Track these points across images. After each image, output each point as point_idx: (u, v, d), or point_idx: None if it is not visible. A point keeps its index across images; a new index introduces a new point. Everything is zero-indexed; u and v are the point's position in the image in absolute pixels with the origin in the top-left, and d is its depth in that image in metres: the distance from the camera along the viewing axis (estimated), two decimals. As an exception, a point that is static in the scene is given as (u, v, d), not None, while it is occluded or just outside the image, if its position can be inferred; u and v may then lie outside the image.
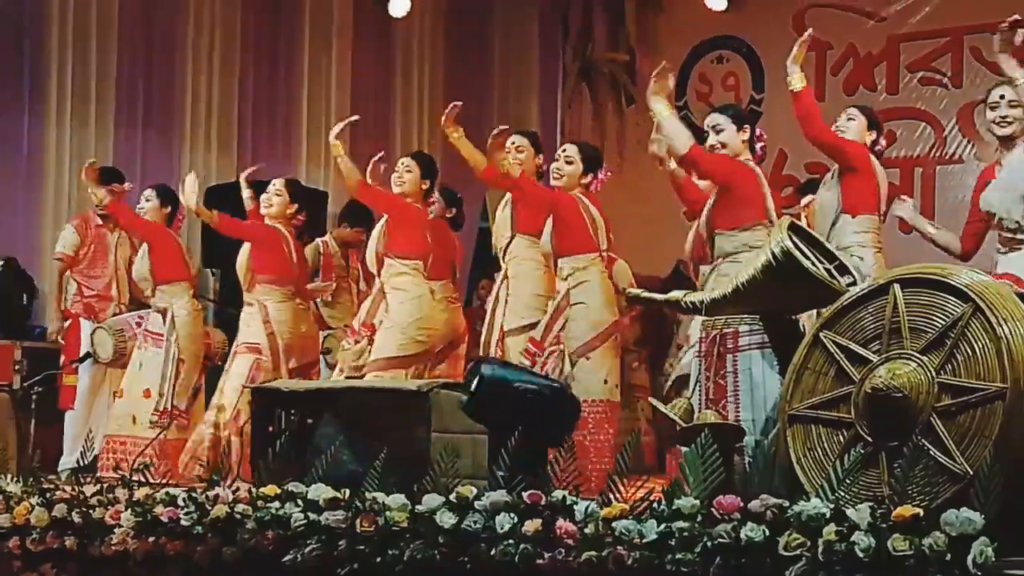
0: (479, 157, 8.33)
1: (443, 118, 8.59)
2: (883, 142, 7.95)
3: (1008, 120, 6.96)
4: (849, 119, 7.81)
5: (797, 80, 7.37)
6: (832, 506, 5.13)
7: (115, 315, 9.81)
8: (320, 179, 12.76)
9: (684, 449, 5.99)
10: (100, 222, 9.92)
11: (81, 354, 9.62)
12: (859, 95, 12.97)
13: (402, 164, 9.05)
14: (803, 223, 6.87)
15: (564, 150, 8.39)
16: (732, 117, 7.26)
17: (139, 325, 9.57)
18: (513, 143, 8.48)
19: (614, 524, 5.49)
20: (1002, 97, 6.99)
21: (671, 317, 10.45)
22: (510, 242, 8.61)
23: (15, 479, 7.38)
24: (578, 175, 8.25)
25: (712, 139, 7.16)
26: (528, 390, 6.28)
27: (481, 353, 8.37)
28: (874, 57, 13.01)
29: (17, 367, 10.50)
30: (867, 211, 7.53)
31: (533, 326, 8.27)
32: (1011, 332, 5.22)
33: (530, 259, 8.51)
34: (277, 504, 6.28)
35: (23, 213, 11.44)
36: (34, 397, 9.59)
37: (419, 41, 13.98)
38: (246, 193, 9.54)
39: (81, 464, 7.73)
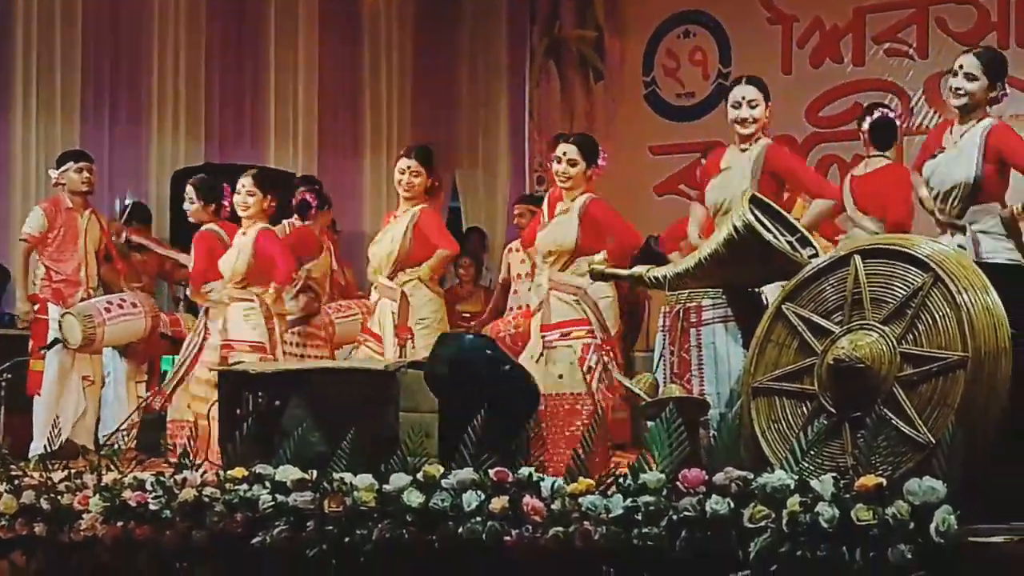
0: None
1: None
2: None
3: (961, 92, 6.85)
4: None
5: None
6: (796, 477, 5.14)
7: (83, 300, 9.74)
8: (288, 162, 12.74)
9: (649, 423, 6.00)
10: (70, 205, 9.85)
11: (49, 340, 9.57)
12: (825, 67, 13.02)
13: (408, 168, 8.50)
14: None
15: (565, 152, 7.87)
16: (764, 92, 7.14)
17: (108, 311, 9.53)
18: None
19: (580, 500, 5.50)
20: (960, 67, 6.90)
21: (642, 294, 10.45)
22: None
23: (-17, 466, 7.35)
24: (584, 172, 7.99)
25: (745, 112, 7.00)
26: (487, 368, 6.29)
27: None
28: (840, 29, 13.03)
29: (-14, 354, 10.47)
30: None
31: None
32: (971, 301, 5.24)
33: None
34: (245, 486, 6.27)
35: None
36: (3, 384, 9.59)
37: (387, 21, 13.99)
38: None
39: (49, 450, 7.70)
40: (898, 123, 9.14)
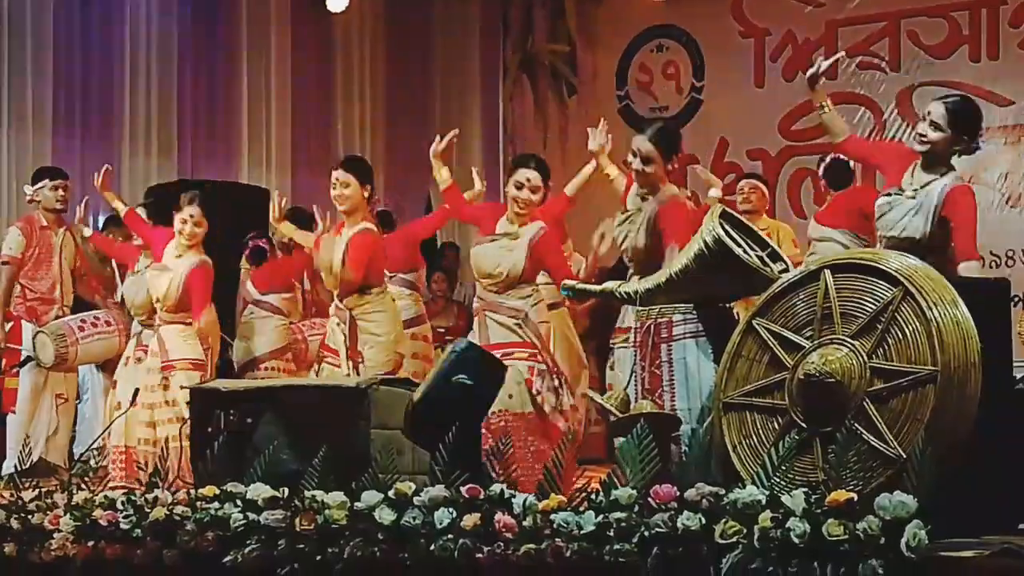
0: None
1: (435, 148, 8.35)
2: None
3: (924, 139, 6.51)
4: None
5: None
6: (768, 493, 5.14)
7: (57, 318, 9.71)
8: (261, 177, 12.72)
9: (620, 439, 6.00)
10: (44, 223, 9.83)
11: (22, 358, 9.54)
12: (798, 81, 13.01)
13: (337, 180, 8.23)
14: None
15: (528, 179, 7.78)
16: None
17: (81, 329, 9.50)
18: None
19: (552, 516, 5.49)
20: (928, 113, 6.61)
21: (617, 308, 10.43)
22: None
23: (-46, 486, 7.31)
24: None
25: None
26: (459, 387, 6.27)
27: None
28: (812, 43, 13.09)
29: (-39, 373, 10.43)
30: None
31: None
32: (941, 315, 5.24)
33: None
34: (216, 505, 6.25)
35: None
36: (-24, 403, 9.56)
37: (359, 37, 13.99)
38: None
39: (20, 468, 7.67)
40: (851, 165, 9.18)
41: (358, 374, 7.86)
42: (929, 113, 6.36)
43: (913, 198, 6.25)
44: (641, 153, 6.96)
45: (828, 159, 9.23)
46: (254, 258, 9.96)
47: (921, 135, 6.38)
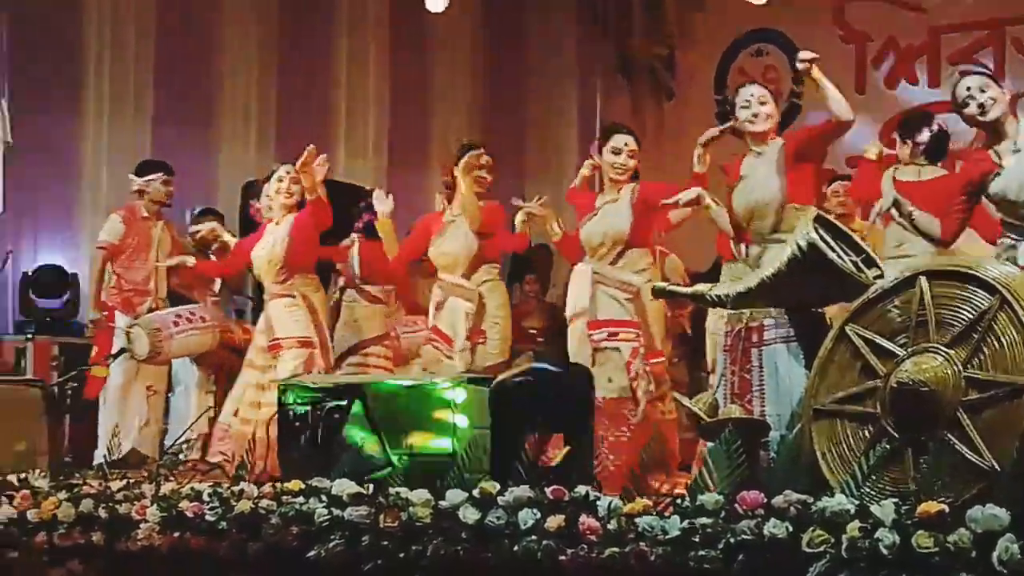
0: None
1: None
2: None
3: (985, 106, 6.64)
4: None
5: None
6: (856, 502, 5.07)
7: (151, 310, 9.76)
8: (357, 175, 12.74)
9: (708, 444, 5.94)
10: (146, 214, 9.90)
11: (115, 349, 9.60)
12: (900, 88, 12.91)
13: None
14: None
15: (626, 143, 8.03)
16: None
17: (176, 324, 9.52)
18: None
19: (637, 520, 5.44)
20: (968, 88, 6.75)
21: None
22: None
23: (43, 474, 7.37)
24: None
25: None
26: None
27: None
28: (915, 49, 12.94)
29: (55, 363, 10.53)
30: None
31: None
32: (1039, 325, 5.14)
33: None
34: (301, 499, 6.26)
35: (63, 213, 11.51)
36: (68, 393, 9.62)
37: (457, 36, 13.98)
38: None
39: (108, 459, 7.72)
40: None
41: (472, 358, 7.91)
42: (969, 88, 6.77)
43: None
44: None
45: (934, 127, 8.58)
46: (367, 232, 9.77)
47: (980, 105, 6.69)
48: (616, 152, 7.99)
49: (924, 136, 8.12)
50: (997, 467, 5.06)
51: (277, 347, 8.77)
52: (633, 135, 8.11)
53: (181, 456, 8.09)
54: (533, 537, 5.63)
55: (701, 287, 6.48)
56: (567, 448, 6.10)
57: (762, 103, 7.05)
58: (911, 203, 7.43)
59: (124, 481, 7.04)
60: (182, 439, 8.31)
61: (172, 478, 6.99)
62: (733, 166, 7.12)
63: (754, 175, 6.90)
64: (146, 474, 7.27)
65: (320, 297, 9.04)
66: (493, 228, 8.51)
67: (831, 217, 6.33)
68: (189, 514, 6.54)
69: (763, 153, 6.96)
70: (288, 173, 8.96)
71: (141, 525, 6.67)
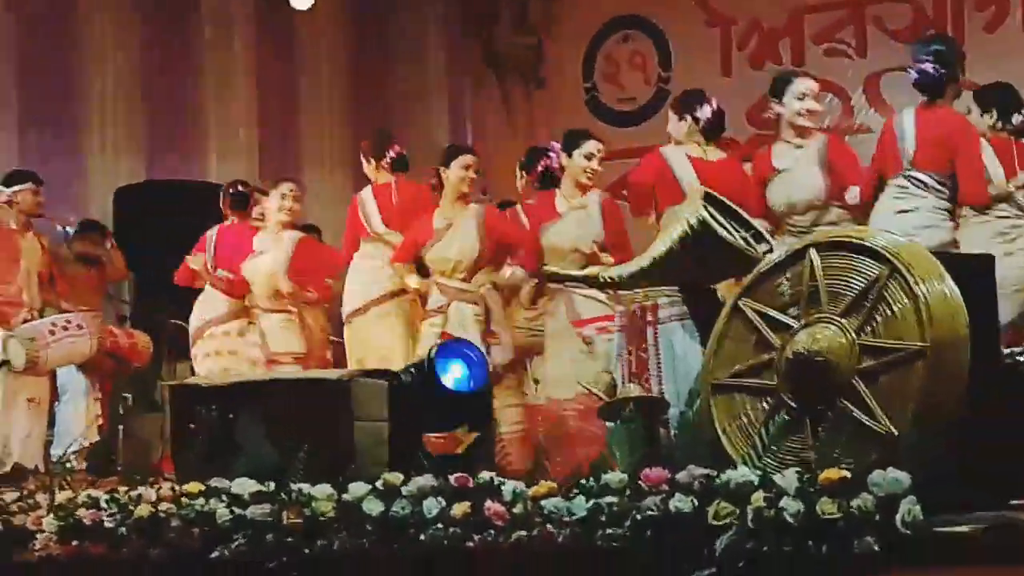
0: None
1: None
2: None
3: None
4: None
5: None
6: (759, 473, 5.13)
7: (26, 321, 9.63)
8: (228, 174, 12.62)
9: (610, 424, 5.98)
10: (13, 226, 9.76)
11: (-7, 363, 9.46)
12: (765, 69, 13.03)
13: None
14: None
15: (600, 149, 8.12)
16: None
17: (52, 333, 9.42)
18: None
19: (543, 503, 5.46)
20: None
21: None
22: None
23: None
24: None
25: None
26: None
27: None
28: (778, 31, 13.08)
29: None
30: None
31: None
32: (928, 291, 5.22)
33: None
34: (201, 500, 6.20)
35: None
36: (-51, 408, 9.46)
37: (322, 31, 13.88)
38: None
39: (-3, 471, 7.63)
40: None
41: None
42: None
43: None
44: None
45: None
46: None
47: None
48: (589, 157, 8.05)
49: (706, 112, 7.98)
50: (895, 432, 5.14)
51: (274, 362, 8.74)
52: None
53: (68, 465, 7.99)
54: (439, 526, 5.63)
55: (593, 269, 6.54)
56: (474, 434, 6.13)
57: (816, 99, 7.25)
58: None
59: (17, 492, 6.94)
60: (71, 448, 8.22)
61: (66, 486, 6.89)
62: (764, 157, 7.18)
63: (796, 169, 7.01)
64: (38, 485, 7.17)
65: (314, 313, 9.02)
66: (495, 231, 8.43)
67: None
68: (87, 522, 6.46)
69: (804, 147, 7.10)
70: (291, 191, 9.07)
71: (38, 535, 6.58)
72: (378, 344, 8.56)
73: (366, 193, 8.91)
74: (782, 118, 7.37)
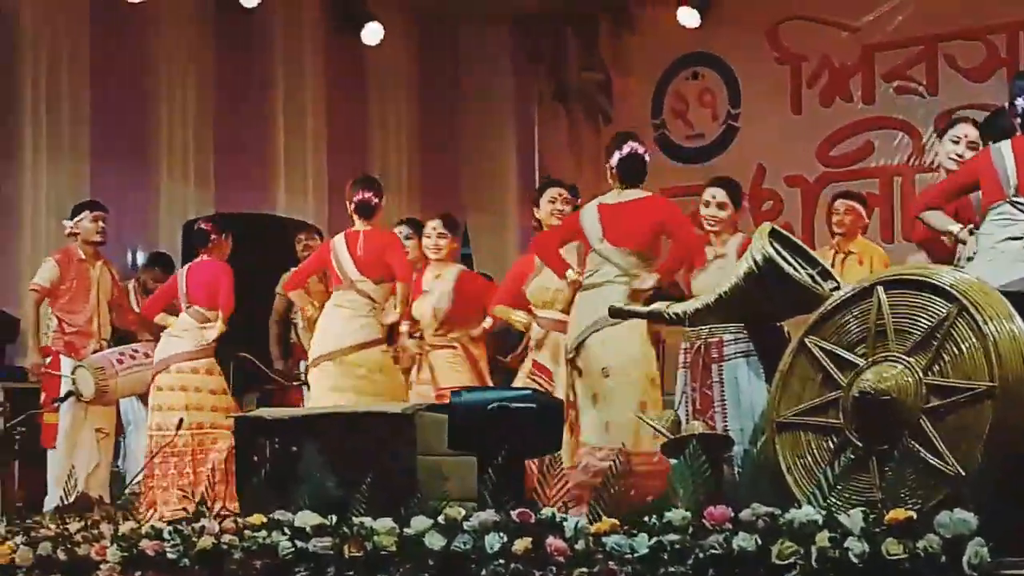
0: None
1: None
2: None
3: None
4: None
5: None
6: (824, 512, 5.09)
7: (95, 351, 9.71)
8: (298, 211, 12.71)
9: (673, 461, 5.94)
10: (82, 256, 9.84)
11: (62, 392, 9.53)
12: (835, 106, 12.99)
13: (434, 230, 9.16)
14: None
15: (714, 196, 7.98)
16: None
17: (120, 362, 9.49)
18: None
19: (604, 539, 5.44)
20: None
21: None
22: None
23: (-1, 519, 7.31)
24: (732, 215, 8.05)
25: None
26: (501, 408, 6.27)
27: None
28: (849, 68, 13.00)
29: (1, 409, 10.42)
30: None
31: None
32: (997, 330, 5.18)
33: None
34: (264, 533, 6.21)
35: (1, 254, 11.42)
36: (17, 437, 9.53)
37: (393, 68, 13.96)
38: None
39: (64, 502, 7.65)
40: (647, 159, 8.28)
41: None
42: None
43: None
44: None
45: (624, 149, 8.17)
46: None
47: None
48: (706, 204, 7.99)
49: (614, 160, 8.00)
50: (962, 472, 5.08)
51: (443, 397, 8.81)
52: (726, 187, 8.11)
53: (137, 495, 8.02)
54: (501, 561, 5.62)
55: (659, 305, 6.49)
56: None
57: (970, 147, 7.25)
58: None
59: (82, 522, 6.97)
60: (136, 479, 8.26)
61: (130, 517, 6.92)
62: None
63: None
64: (102, 515, 7.20)
65: (481, 349, 9.11)
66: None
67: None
68: (150, 552, 6.47)
69: None
70: (435, 229, 9.13)
71: (101, 566, 6.61)
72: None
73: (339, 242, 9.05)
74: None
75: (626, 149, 7.90)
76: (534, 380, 8.29)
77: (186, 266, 9.83)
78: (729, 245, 7.78)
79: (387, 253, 8.86)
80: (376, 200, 9.04)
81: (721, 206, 7.88)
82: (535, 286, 8.43)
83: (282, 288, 10.29)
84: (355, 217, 9.03)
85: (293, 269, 10.21)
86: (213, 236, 9.70)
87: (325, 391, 8.77)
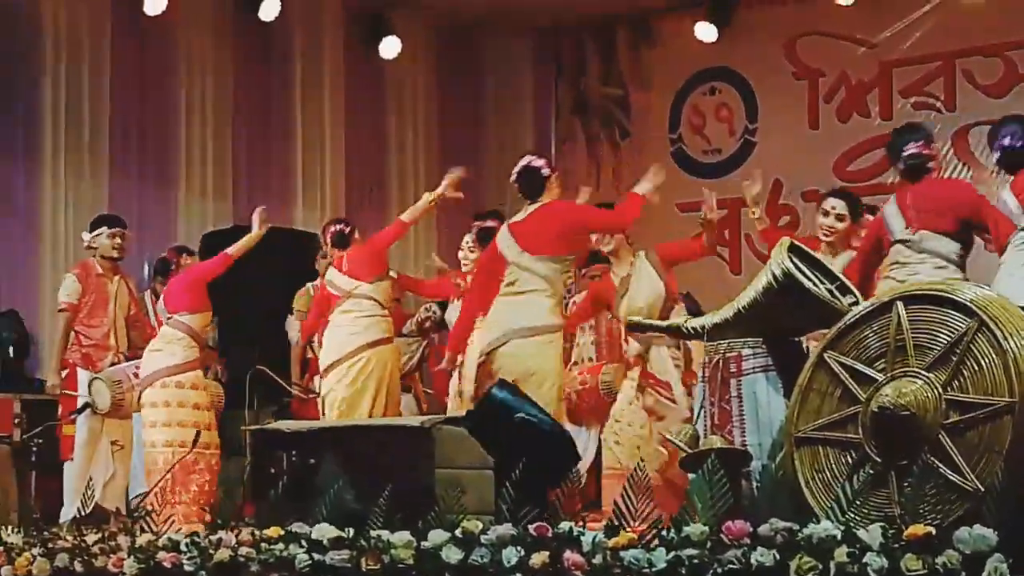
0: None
1: None
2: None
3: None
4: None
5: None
6: (843, 528, 5.07)
7: (112, 364, 9.73)
8: (316, 223, 12.71)
9: (691, 475, 5.93)
10: (100, 270, 9.86)
11: (79, 405, 9.55)
12: (853, 122, 12.99)
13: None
14: None
15: (833, 207, 8.12)
16: None
17: (136, 376, 9.50)
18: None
19: (622, 554, 5.42)
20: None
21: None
22: None
23: (16, 530, 7.30)
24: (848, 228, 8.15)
25: None
26: (527, 423, 6.28)
27: None
28: (867, 84, 13.02)
29: (17, 420, 10.44)
30: None
31: None
32: (1017, 346, 5.16)
33: None
34: (281, 546, 6.21)
35: (21, 266, 11.45)
36: (34, 449, 9.56)
37: (411, 82, 13.99)
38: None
39: (82, 514, 7.67)
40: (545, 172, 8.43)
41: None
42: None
43: None
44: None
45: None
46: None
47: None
48: (824, 214, 8.20)
49: (513, 176, 8.33)
50: (981, 488, 5.07)
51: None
52: (845, 199, 8.37)
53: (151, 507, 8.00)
54: (518, 575, 5.61)
55: (677, 320, 6.50)
56: None
57: (839, 219, 8.04)
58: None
59: (99, 534, 6.98)
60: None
61: (146, 529, 6.92)
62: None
63: None
64: (119, 527, 7.20)
65: None
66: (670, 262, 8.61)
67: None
68: (167, 564, 6.48)
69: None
70: (466, 242, 9.65)
71: (118, 577, 6.63)
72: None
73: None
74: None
75: (520, 164, 8.35)
76: (657, 392, 8.24)
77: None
78: (837, 261, 7.77)
79: (370, 246, 9.52)
80: (348, 228, 9.69)
81: (840, 218, 8.08)
82: (625, 306, 8.38)
83: (299, 339, 10.60)
84: (336, 251, 9.62)
85: (310, 284, 10.27)
86: (173, 264, 9.96)
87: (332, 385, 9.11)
